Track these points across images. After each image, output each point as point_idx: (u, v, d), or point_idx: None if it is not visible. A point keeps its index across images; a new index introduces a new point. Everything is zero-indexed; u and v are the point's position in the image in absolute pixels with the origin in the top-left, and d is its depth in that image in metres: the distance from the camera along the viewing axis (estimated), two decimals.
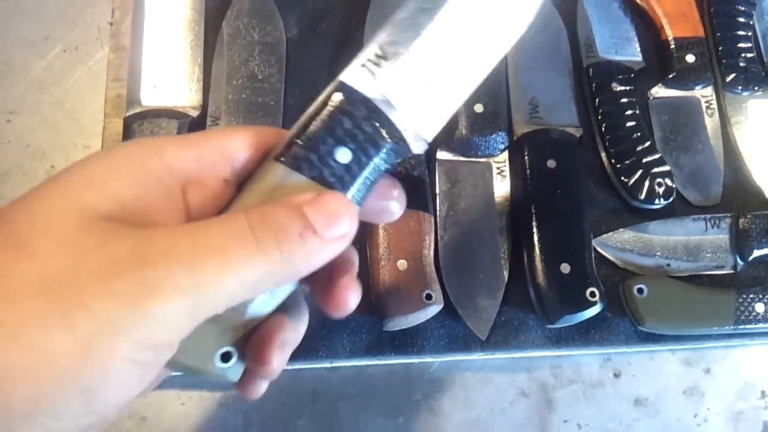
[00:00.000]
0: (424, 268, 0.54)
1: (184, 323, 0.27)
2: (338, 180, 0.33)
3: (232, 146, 0.33)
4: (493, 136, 0.58)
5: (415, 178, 0.57)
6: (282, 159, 0.33)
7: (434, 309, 0.54)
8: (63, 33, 0.64)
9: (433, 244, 0.56)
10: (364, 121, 0.33)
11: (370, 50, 0.35)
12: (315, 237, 0.30)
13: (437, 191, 0.58)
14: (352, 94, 0.34)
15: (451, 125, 0.58)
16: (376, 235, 0.55)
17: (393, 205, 0.36)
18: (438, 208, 0.57)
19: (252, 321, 0.33)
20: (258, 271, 0.28)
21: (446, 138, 0.59)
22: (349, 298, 0.35)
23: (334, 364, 0.55)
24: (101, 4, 0.65)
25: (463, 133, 0.58)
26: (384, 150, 0.34)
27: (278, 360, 0.33)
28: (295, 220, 0.30)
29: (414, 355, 0.56)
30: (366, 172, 0.33)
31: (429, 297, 0.53)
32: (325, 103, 0.33)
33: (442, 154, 0.59)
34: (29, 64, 0.63)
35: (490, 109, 0.58)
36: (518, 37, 0.37)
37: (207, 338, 0.32)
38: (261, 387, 0.36)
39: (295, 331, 0.35)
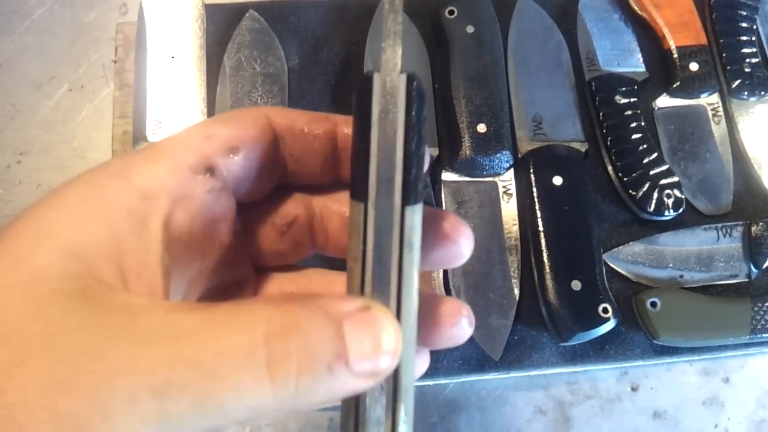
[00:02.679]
0: (433, 291, 0.54)
1: None
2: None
3: (216, 144, 0.27)
4: (498, 155, 0.58)
5: None
6: (412, 201, 0.26)
7: None
8: (68, 73, 0.65)
9: None
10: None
11: None
12: (344, 369, 0.23)
13: None
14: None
15: (455, 146, 0.58)
16: None
17: (464, 246, 0.29)
18: None
19: None
20: (255, 405, 0.22)
21: (450, 159, 0.59)
22: (461, 325, 0.29)
23: None
24: (104, 42, 0.65)
25: (467, 154, 0.58)
26: None
27: None
28: (329, 342, 0.23)
29: (428, 377, 0.55)
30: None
31: None
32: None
33: (447, 175, 0.59)
34: (37, 104, 0.63)
35: (493, 128, 0.58)
36: None
37: None
38: None
39: None
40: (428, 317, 0.29)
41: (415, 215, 0.26)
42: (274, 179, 0.31)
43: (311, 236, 0.33)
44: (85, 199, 0.24)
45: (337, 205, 0.32)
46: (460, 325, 0.29)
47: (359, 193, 0.26)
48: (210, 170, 0.27)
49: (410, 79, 0.25)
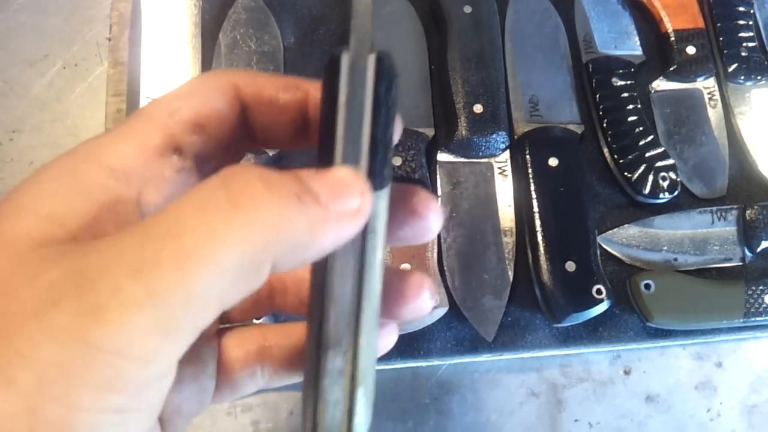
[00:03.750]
0: (428, 271, 0.54)
1: (156, 346, 0.21)
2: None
3: (180, 122, 0.26)
4: (494, 136, 0.58)
5: (416, 181, 0.57)
6: (377, 187, 0.25)
7: (439, 312, 0.54)
8: (62, 50, 0.64)
9: (436, 246, 0.55)
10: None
11: None
12: (317, 204, 0.23)
13: (439, 193, 0.58)
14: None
15: (451, 127, 0.58)
16: None
17: (432, 221, 0.28)
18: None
19: None
20: (239, 241, 0.21)
21: (446, 139, 0.58)
22: (423, 297, 0.29)
23: None
24: (99, 20, 0.65)
25: (463, 134, 0.58)
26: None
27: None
28: (291, 180, 0.23)
29: (421, 358, 0.55)
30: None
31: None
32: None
33: (442, 156, 0.59)
34: (30, 82, 0.63)
35: (490, 109, 0.58)
36: None
37: None
38: None
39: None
40: (393, 290, 0.29)
41: (380, 201, 0.25)
42: (242, 150, 0.31)
43: None
44: (61, 179, 0.24)
45: None
46: (422, 298, 0.29)
47: None
48: (178, 150, 0.26)
49: (380, 60, 0.24)
